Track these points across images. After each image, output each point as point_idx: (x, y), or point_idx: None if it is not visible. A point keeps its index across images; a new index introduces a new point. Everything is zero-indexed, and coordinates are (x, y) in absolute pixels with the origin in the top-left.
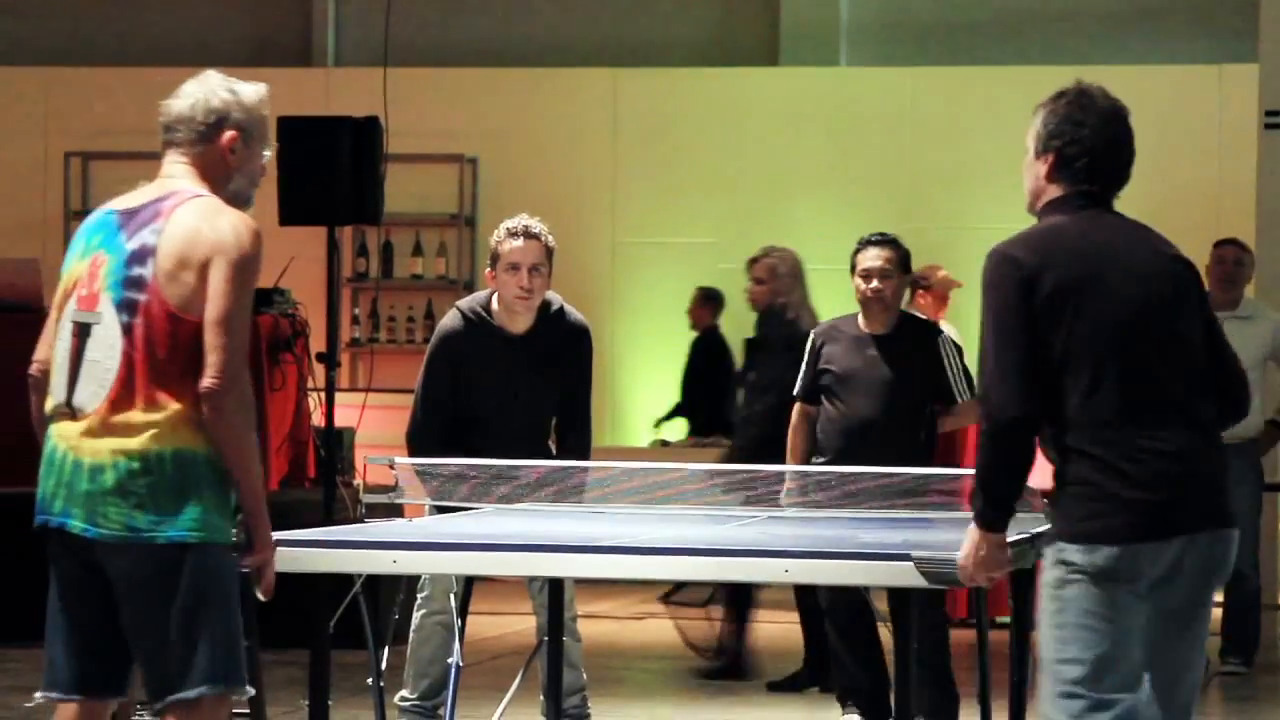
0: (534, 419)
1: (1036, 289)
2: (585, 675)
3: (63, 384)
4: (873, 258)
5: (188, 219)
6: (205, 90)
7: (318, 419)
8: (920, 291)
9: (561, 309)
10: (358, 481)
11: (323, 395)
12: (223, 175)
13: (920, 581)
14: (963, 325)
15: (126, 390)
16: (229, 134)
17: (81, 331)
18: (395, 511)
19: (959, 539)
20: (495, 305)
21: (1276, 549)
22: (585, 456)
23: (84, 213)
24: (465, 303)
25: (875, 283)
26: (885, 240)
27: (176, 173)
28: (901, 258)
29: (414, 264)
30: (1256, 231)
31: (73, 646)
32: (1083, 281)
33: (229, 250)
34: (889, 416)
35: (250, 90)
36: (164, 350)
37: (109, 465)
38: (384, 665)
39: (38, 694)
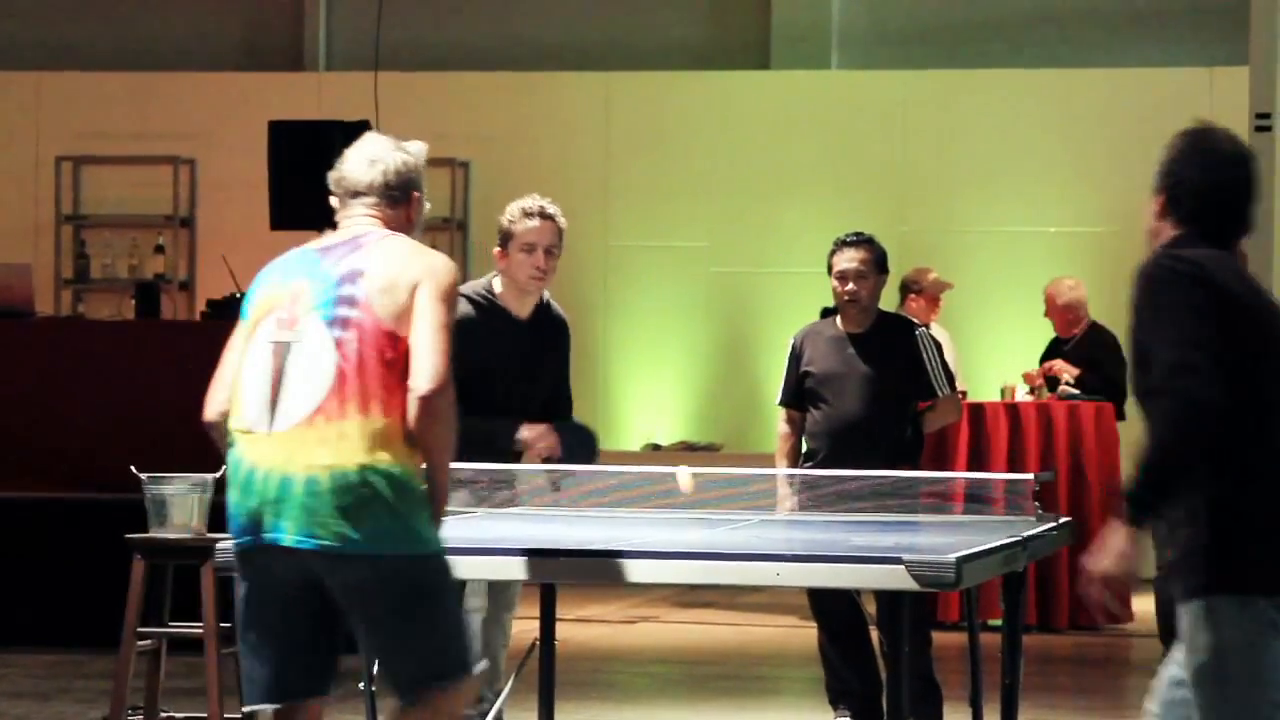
0: (539, 402)
1: (1222, 301)
2: (503, 677)
3: (259, 404)
4: (848, 259)
5: (396, 246)
6: (389, 156)
7: None
8: (912, 295)
9: (548, 298)
10: None
11: None
12: (406, 231)
13: (912, 585)
14: (955, 327)
15: (338, 403)
16: (415, 195)
17: (282, 351)
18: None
19: (950, 542)
20: (498, 287)
21: None
22: (591, 437)
23: (75, 217)
24: (468, 288)
25: (851, 284)
26: (860, 240)
27: (367, 223)
28: (877, 258)
29: None
30: None
31: (273, 656)
32: (1261, 310)
33: (438, 274)
34: (874, 415)
35: (420, 149)
36: (376, 363)
37: (324, 477)
38: (375, 670)
39: (246, 707)
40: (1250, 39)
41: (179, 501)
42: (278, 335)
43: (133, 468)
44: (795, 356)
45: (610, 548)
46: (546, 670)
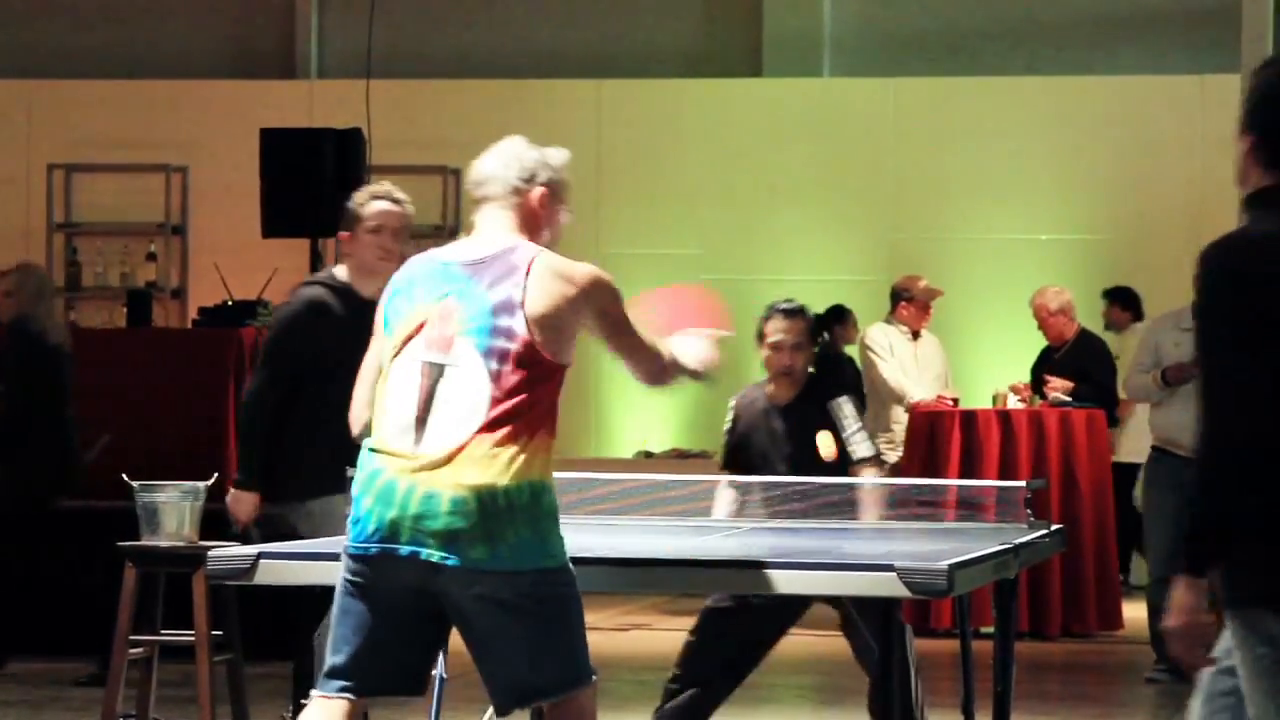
0: None
1: (1262, 301)
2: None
3: (406, 421)
4: (784, 330)
5: (546, 272)
6: (519, 157)
7: None
8: (902, 302)
9: None
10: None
11: None
12: (537, 228)
13: (904, 592)
14: (946, 334)
15: (490, 431)
16: (542, 191)
17: (434, 373)
18: None
19: (942, 549)
20: (343, 274)
21: None
22: None
23: (67, 224)
24: (320, 277)
25: (787, 358)
26: (795, 310)
27: (504, 225)
28: (810, 327)
29: None
30: None
31: (365, 652)
32: None
33: (595, 285)
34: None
35: (557, 152)
36: (530, 393)
37: (470, 496)
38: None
39: (319, 692)
40: (1241, 46)
41: (171, 509)
42: (428, 355)
43: (124, 475)
44: (732, 424)
45: (602, 555)
46: None
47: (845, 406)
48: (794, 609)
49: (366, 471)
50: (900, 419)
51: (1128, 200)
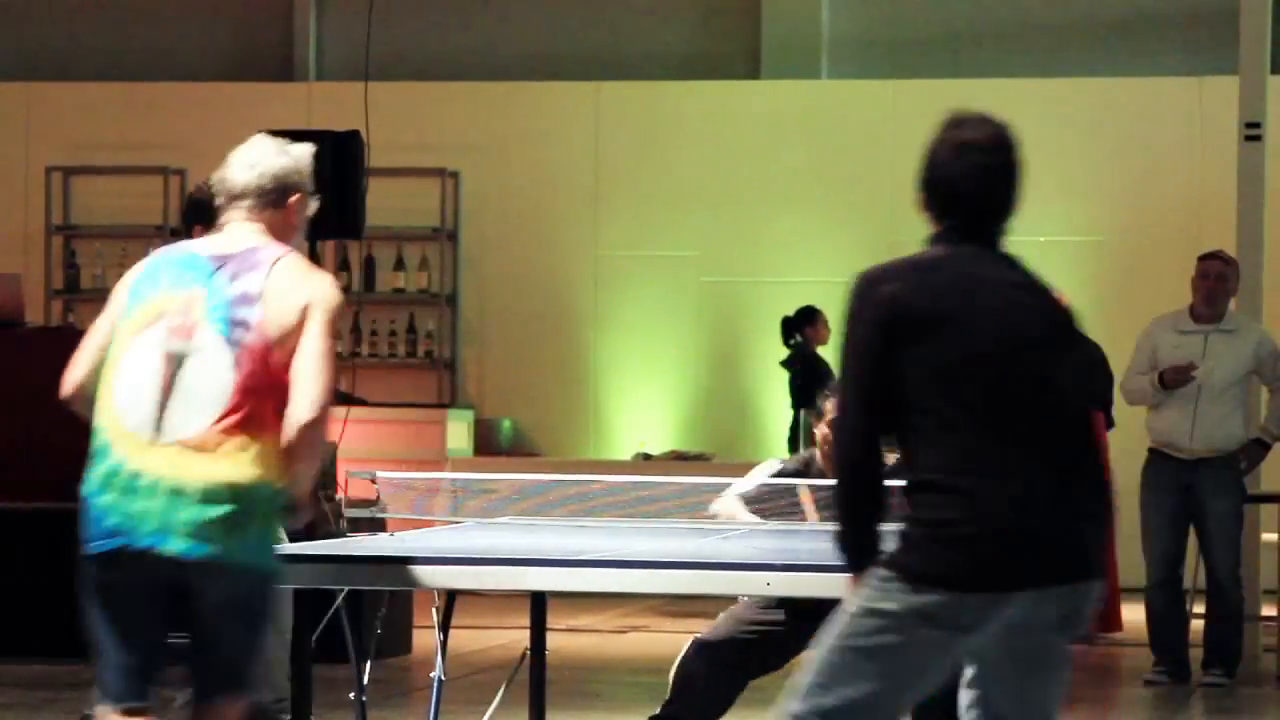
0: None
1: (897, 321)
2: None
3: (147, 409)
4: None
5: (288, 270)
6: (269, 159)
7: None
8: None
9: None
10: (340, 496)
11: None
12: (288, 234)
13: None
14: None
15: (234, 421)
16: (294, 199)
17: (175, 360)
18: (378, 526)
19: None
20: None
21: (1258, 561)
22: None
23: (65, 227)
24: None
25: None
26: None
27: (249, 230)
28: None
29: (396, 278)
30: (1237, 243)
31: (129, 659)
32: (938, 315)
33: (327, 301)
34: None
35: (303, 151)
36: (266, 386)
37: (214, 490)
38: (366, 679)
39: (92, 709)
40: (1240, 48)
41: None
42: (171, 343)
43: None
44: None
45: (601, 557)
46: (537, 680)
47: None
48: (790, 648)
49: (105, 465)
50: None
51: (1126, 202)
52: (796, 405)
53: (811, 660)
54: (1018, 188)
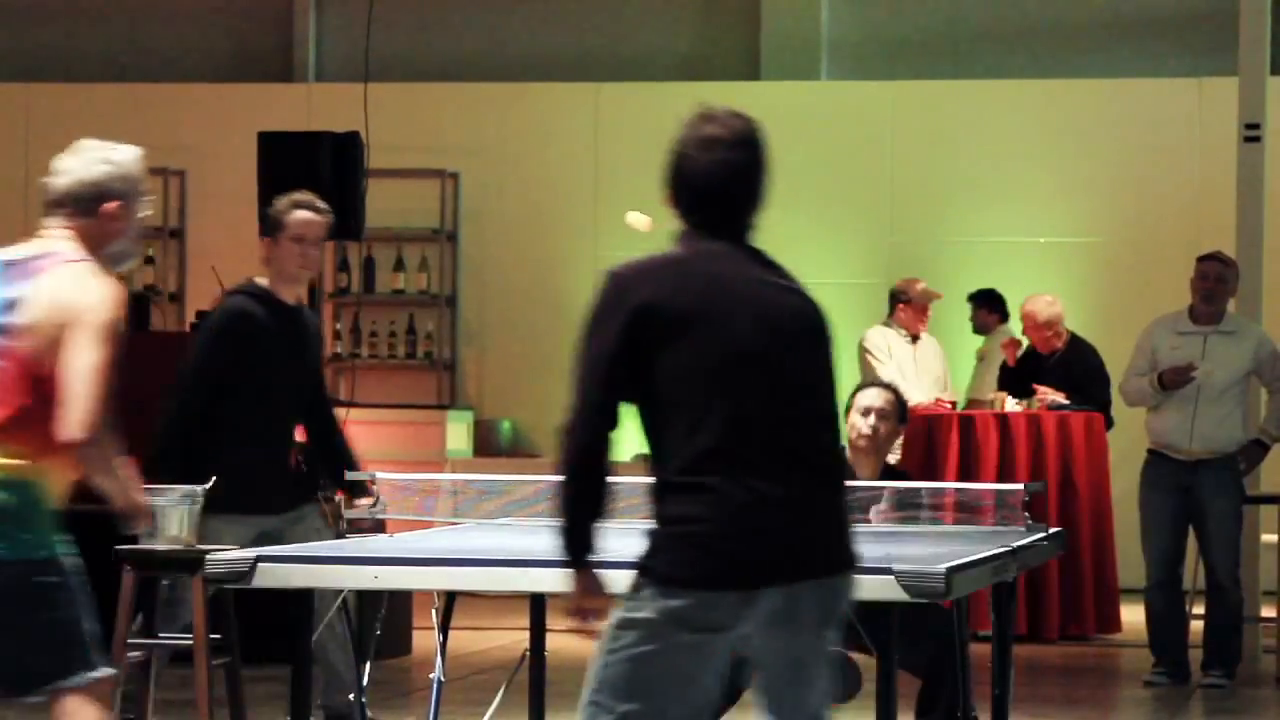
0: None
1: (643, 318)
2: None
3: None
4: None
5: (63, 277)
6: (84, 164)
7: (299, 435)
8: (900, 304)
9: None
10: (339, 497)
11: None
12: (104, 240)
13: (902, 595)
14: (944, 337)
15: None
16: (112, 204)
17: None
18: (377, 527)
19: (940, 552)
20: (264, 280)
21: (1258, 562)
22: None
23: None
24: (238, 288)
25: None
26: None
27: (58, 236)
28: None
29: (396, 279)
30: (1236, 244)
31: None
32: (689, 314)
33: (93, 312)
34: None
35: (128, 155)
36: (18, 394)
37: None
38: (366, 680)
39: None
40: (1239, 49)
41: (169, 513)
42: None
43: None
44: None
45: (600, 559)
46: (536, 681)
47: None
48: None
49: None
50: None
51: (1126, 203)
52: None
53: (587, 678)
54: (764, 184)
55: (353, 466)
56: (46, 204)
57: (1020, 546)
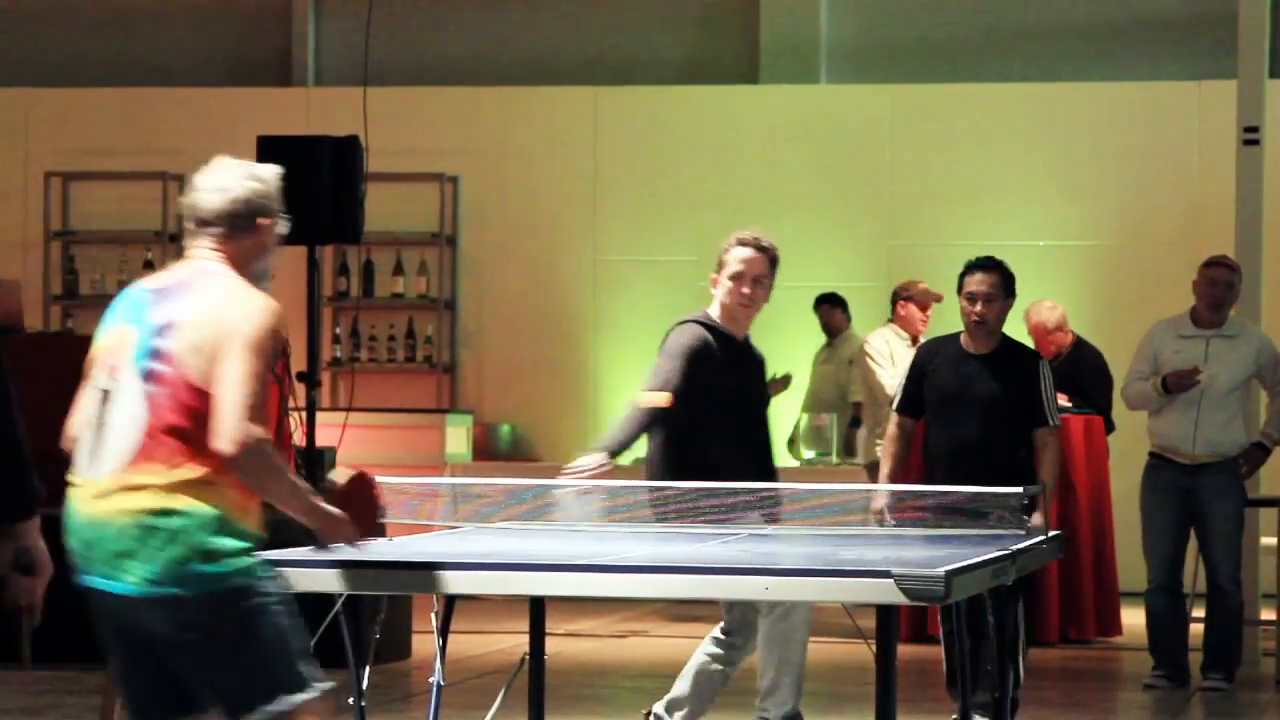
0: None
1: None
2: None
3: (86, 450)
4: (977, 282)
5: (213, 293)
6: (234, 182)
7: (299, 438)
8: (901, 301)
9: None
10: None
11: (304, 415)
12: (253, 258)
13: (901, 598)
14: None
15: (145, 456)
16: (262, 223)
17: (104, 399)
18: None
19: (939, 555)
20: (716, 314)
21: (1257, 565)
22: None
23: (64, 233)
24: (693, 317)
25: (980, 306)
26: (990, 264)
27: (207, 257)
28: (1005, 282)
29: (395, 283)
30: (1235, 247)
31: (132, 698)
32: None
33: (249, 322)
34: (990, 434)
35: (270, 172)
36: (181, 418)
37: (128, 524)
38: (365, 685)
39: None
40: (1239, 52)
41: None
42: (104, 383)
43: None
44: (918, 368)
45: (600, 562)
46: (536, 684)
47: (1048, 372)
48: None
49: (68, 505)
50: None
51: (1125, 206)
52: None
53: None
54: None
55: None
56: (195, 223)
57: (1019, 549)
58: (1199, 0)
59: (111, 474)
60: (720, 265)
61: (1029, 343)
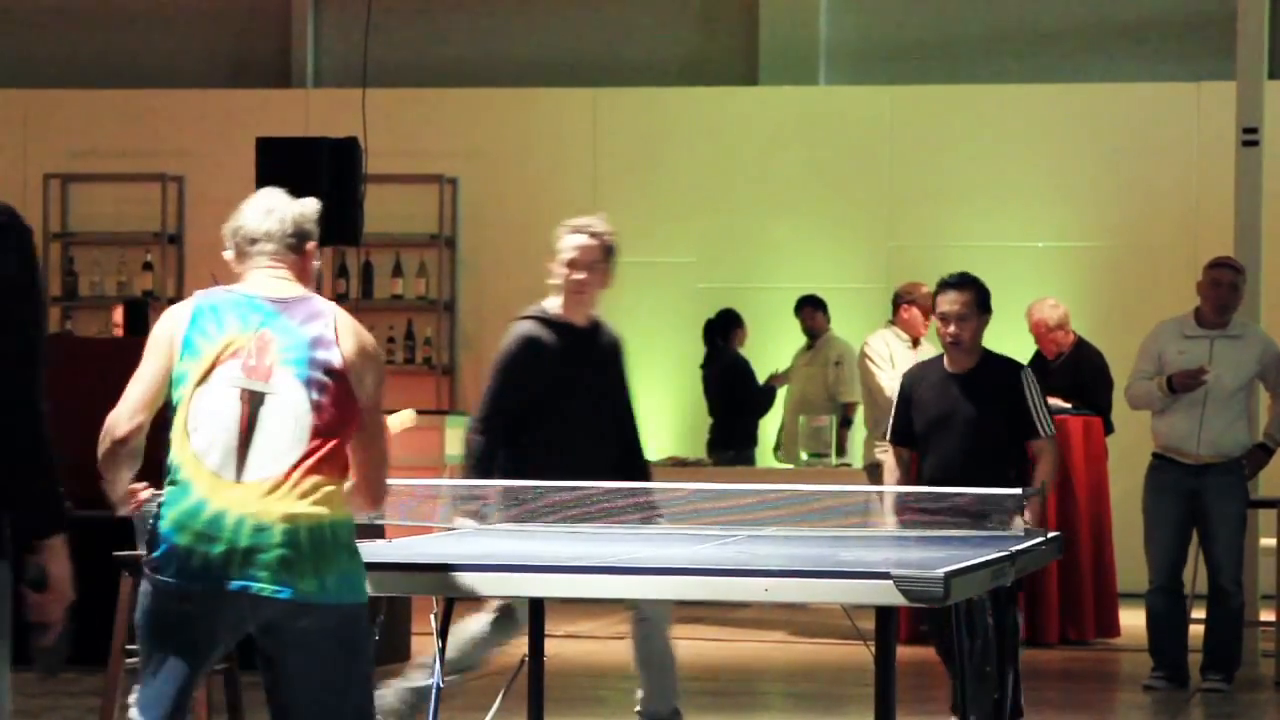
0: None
1: None
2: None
3: (226, 448)
4: (949, 301)
5: (349, 323)
6: (285, 204)
7: None
8: (904, 305)
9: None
10: None
11: None
12: (306, 281)
13: (900, 600)
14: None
15: (316, 461)
16: (310, 247)
17: (254, 400)
18: (376, 532)
19: (938, 556)
20: (554, 307)
21: (1257, 566)
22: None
23: (63, 235)
24: (529, 311)
25: (953, 327)
26: (962, 282)
27: (285, 276)
28: (979, 299)
29: (394, 284)
30: (1235, 248)
31: (176, 689)
32: None
33: (381, 361)
34: (977, 455)
35: (313, 202)
36: (344, 428)
37: (297, 529)
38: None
39: None
40: (1238, 54)
41: None
42: (248, 383)
43: None
44: (904, 397)
45: (599, 564)
46: (535, 686)
47: (1032, 380)
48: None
49: (184, 504)
50: None
51: (1124, 207)
52: (723, 406)
53: None
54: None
55: None
56: (250, 242)
57: (1019, 550)
58: (1198, 1)
59: (278, 477)
60: (555, 253)
61: (1029, 341)
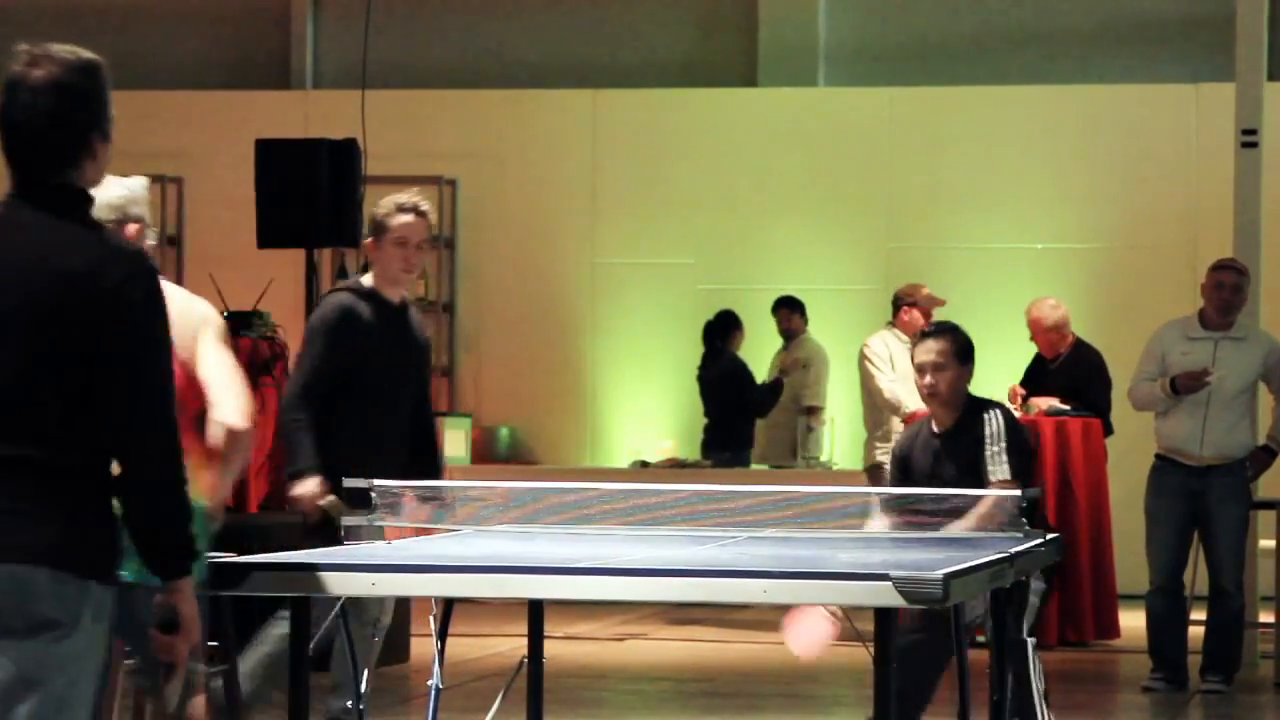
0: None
1: None
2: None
3: None
4: (925, 351)
5: (174, 295)
6: (102, 190)
7: None
8: (905, 307)
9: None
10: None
11: None
12: None
13: (899, 601)
14: None
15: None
16: (133, 228)
17: None
18: (375, 534)
19: (937, 558)
20: (369, 280)
21: (1256, 567)
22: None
23: None
24: (348, 284)
25: (929, 377)
26: (940, 331)
27: None
28: (957, 349)
29: None
30: (1234, 249)
31: None
32: None
33: (215, 319)
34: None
35: (138, 183)
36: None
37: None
38: (364, 688)
39: None
40: (1236, 55)
41: None
42: None
43: None
44: (899, 461)
45: (597, 565)
46: (534, 688)
47: (997, 420)
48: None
49: None
50: (899, 428)
51: (1123, 208)
52: (721, 408)
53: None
54: (68, 134)
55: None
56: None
57: (1018, 552)
58: (1197, 2)
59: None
60: (380, 230)
61: (1029, 339)
